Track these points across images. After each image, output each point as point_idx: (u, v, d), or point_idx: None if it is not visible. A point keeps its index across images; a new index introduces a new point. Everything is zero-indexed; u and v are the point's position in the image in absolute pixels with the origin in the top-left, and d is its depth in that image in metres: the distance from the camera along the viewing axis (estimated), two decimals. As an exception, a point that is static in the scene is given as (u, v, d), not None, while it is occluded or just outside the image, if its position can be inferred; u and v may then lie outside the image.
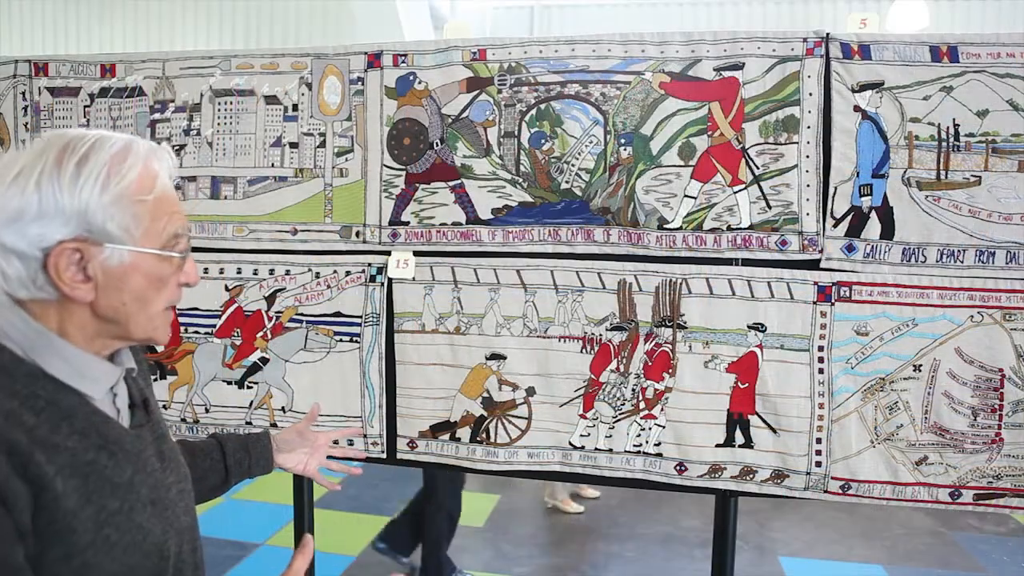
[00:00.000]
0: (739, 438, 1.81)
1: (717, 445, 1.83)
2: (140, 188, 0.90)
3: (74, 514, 0.85)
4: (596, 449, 1.89)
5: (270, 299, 2.03)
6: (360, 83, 1.94)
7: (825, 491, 1.78)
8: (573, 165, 1.84)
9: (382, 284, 1.95)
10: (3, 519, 0.81)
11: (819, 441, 1.77)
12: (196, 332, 2.07)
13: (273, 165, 2.01)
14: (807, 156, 1.73)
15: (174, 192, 0.96)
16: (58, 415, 0.88)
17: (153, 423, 1.04)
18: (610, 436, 1.87)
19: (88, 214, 0.86)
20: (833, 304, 1.74)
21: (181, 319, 2.07)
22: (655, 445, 1.86)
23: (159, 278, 0.93)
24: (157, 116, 2.09)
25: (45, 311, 0.90)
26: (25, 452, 0.82)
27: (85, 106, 2.13)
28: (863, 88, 1.69)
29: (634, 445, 1.87)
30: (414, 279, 1.93)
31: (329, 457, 1.52)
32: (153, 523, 0.95)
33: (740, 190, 1.77)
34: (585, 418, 1.88)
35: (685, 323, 1.81)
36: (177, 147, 2.07)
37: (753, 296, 1.78)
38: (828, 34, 1.70)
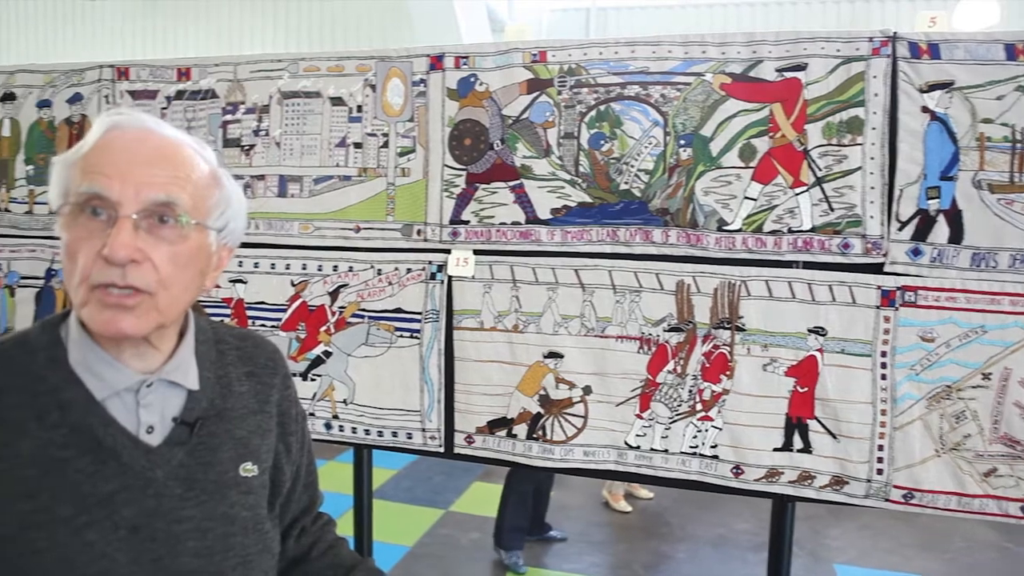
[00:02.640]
0: (797, 442, 1.80)
1: (775, 449, 1.81)
2: (74, 149, 0.85)
3: None
4: (652, 449, 1.89)
5: (333, 295, 2.09)
6: (422, 84, 1.99)
7: (886, 499, 1.74)
8: (632, 166, 1.84)
9: (442, 282, 1.99)
10: None
11: (881, 448, 1.74)
12: (263, 325, 2.14)
13: (338, 164, 2.07)
14: (872, 158, 1.70)
15: (114, 149, 0.83)
16: (52, 403, 0.83)
17: (199, 447, 0.92)
18: (666, 437, 1.88)
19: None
20: (897, 309, 1.71)
21: (249, 312, 2.15)
22: (711, 447, 1.85)
23: (67, 244, 0.82)
24: (228, 117, 2.17)
25: None
26: None
27: (162, 108, 2.22)
28: (932, 88, 1.65)
29: (690, 446, 1.86)
30: (473, 277, 1.96)
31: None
32: (119, 551, 0.83)
33: (802, 192, 1.75)
34: (641, 418, 1.89)
35: (744, 325, 1.80)
36: (247, 147, 2.15)
37: (814, 299, 1.76)
38: (895, 33, 1.67)
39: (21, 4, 9.66)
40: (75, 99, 2.33)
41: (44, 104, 2.36)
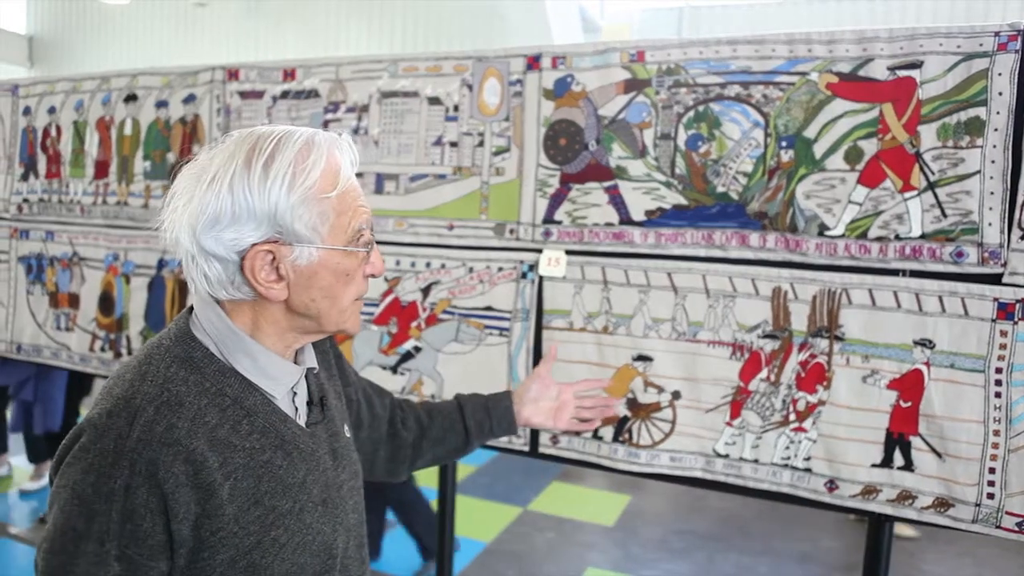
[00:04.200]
0: (898, 459, 1.71)
1: (873, 465, 1.73)
2: (324, 186, 0.89)
3: (236, 518, 0.86)
4: (741, 459, 1.84)
5: (425, 291, 2.13)
6: (519, 85, 2.00)
7: (998, 526, 1.64)
8: (730, 168, 1.80)
9: (533, 281, 2.00)
10: (159, 532, 0.82)
11: (992, 471, 1.63)
12: (356, 319, 2.20)
13: (433, 163, 2.11)
14: (992, 161, 1.60)
15: (357, 184, 0.95)
16: (241, 413, 0.90)
17: (328, 420, 1.04)
18: (757, 446, 1.83)
19: (278, 216, 0.86)
20: (1016, 323, 1.60)
21: (344, 306, 2.22)
22: (804, 459, 1.79)
23: (346, 273, 0.93)
24: (330, 116, 2.25)
25: (240, 309, 0.93)
26: (199, 459, 0.83)
27: (268, 108, 2.32)
28: (1065, 87, 1.54)
29: (782, 458, 1.81)
30: (564, 277, 1.96)
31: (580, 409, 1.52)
32: (323, 523, 0.96)
33: (912, 197, 1.67)
34: (731, 426, 1.84)
35: (843, 335, 1.74)
36: (346, 146, 2.21)
37: (921, 310, 1.67)
38: (1026, 27, 1.57)
39: (143, 12, 10.35)
40: (189, 99, 2.46)
41: (161, 104, 2.51)
